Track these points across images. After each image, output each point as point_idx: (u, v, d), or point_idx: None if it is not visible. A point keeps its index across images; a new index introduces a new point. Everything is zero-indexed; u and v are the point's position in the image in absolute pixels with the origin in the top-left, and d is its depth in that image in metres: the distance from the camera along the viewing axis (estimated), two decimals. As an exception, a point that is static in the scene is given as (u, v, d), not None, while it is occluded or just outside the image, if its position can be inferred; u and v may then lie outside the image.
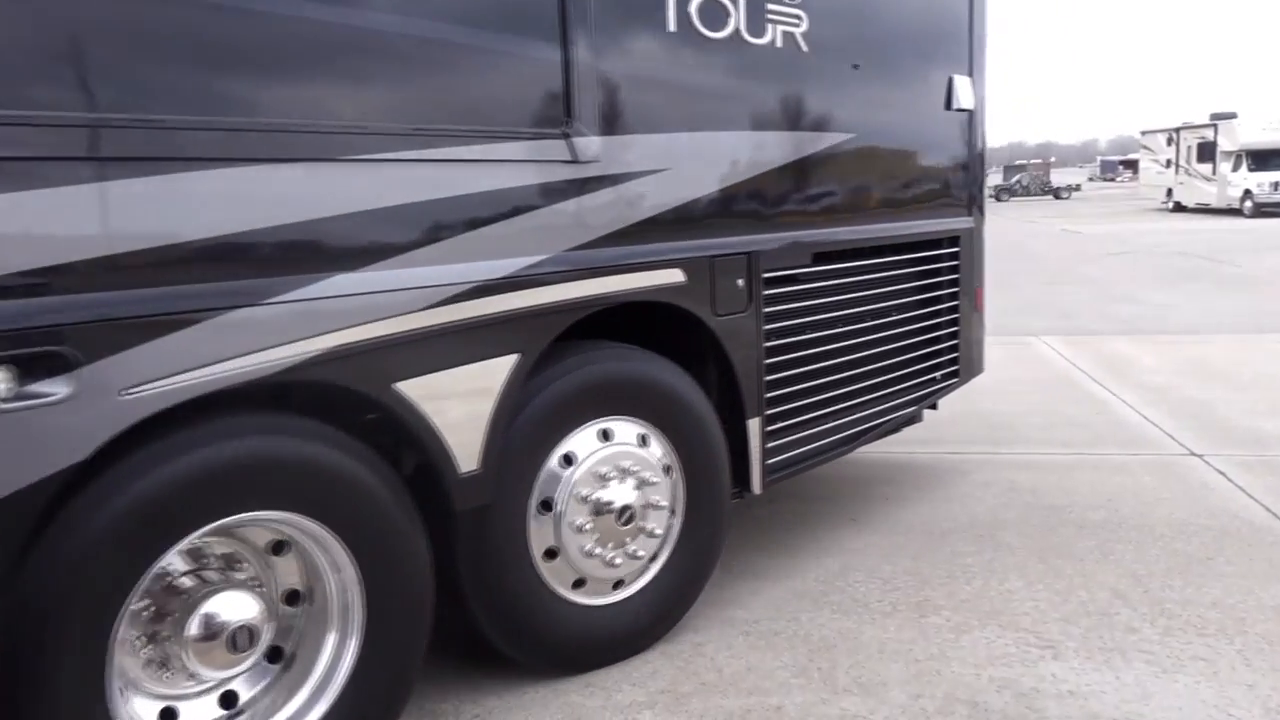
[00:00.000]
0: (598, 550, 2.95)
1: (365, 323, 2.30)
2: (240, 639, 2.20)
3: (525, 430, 2.75)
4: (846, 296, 3.82)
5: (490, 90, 2.59)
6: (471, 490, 2.57)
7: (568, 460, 2.91)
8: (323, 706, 2.36)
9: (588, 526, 2.92)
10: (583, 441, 2.94)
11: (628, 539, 3.01)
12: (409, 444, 2.50)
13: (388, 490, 2.40)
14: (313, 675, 2.37)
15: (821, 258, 3.70)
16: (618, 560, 3.00)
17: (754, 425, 3.46)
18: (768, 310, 3.46)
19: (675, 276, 3.08)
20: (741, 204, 3.34)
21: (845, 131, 3.74)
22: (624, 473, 3.01)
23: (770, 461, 3.57)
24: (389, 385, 2.37)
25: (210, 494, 2.10)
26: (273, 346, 2.14)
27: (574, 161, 2.73)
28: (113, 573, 1.99)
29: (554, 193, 2.70)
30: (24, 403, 1.81)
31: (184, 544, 2.10)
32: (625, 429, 3.04)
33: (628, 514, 2.99)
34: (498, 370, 2.61)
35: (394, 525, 2.41)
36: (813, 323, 3.69)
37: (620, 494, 2.98)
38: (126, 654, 2.09)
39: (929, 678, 2.94)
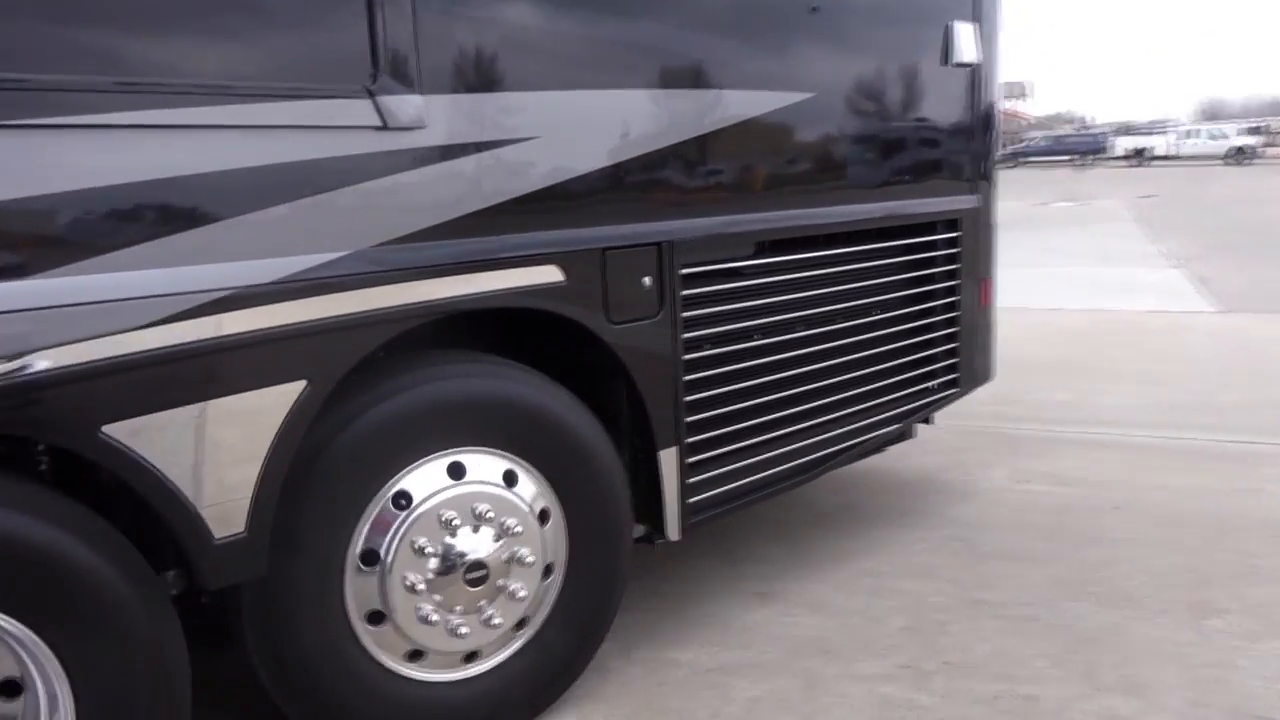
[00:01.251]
0: (437, 616, 2.33)
1: (58, 345, 1.70)
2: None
3: (335, 466, 2.14)
4: (804, 295, 3.12)
5: (252, 29, 1.95)
6: (235, 559, 1.97)
7: (401, 502, 2.29)
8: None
9: (423, 586, 2.31)
10: (423, 479, 2.32)
11: (482, 602, 2.39)
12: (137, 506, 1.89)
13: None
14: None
15: (770, 248, 3.01)
16: (463, 630, 2.38)
17: (668, 457, 2.79)
18: (689, 315, 2.77)
19: (548, 275, 2.42)
20: (647, 182, 2.65)
21: (799, 90, 3.02)
22: (479, 519, 2.38)
23: (693, 500, 2.89)
24: (93, 430, 1.77)
25: None
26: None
27: (384, 128, 2.08)
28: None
29: (353, 170, 2.06)
30: None
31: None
32: (484, 464, 2.41)
33: (480, 572, 2.36)
34: (271, 403, 1.98)
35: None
36: (755, 328, 3.00)
37: (471, 545, 2.36)
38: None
39: (1210, 685, 2.62)
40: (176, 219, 1.83)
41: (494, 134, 2.28)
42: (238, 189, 1.90)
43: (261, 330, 1.94)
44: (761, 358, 3.00)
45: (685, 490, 2.85)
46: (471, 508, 2.37)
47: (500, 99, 2.30)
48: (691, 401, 2.84)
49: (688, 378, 2.81)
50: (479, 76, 2.26)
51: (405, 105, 2.10)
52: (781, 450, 3.10)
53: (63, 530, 1.76)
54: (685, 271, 2.74)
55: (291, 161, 1.96)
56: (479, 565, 2.36)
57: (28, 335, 1.67)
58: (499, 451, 2.42)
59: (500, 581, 2.40)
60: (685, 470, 2.84)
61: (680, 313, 2.74)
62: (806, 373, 3.14)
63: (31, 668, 1.78)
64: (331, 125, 2.02)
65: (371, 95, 2.05)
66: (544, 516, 2.50)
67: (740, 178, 2.89)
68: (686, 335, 2.78)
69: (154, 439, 1.83)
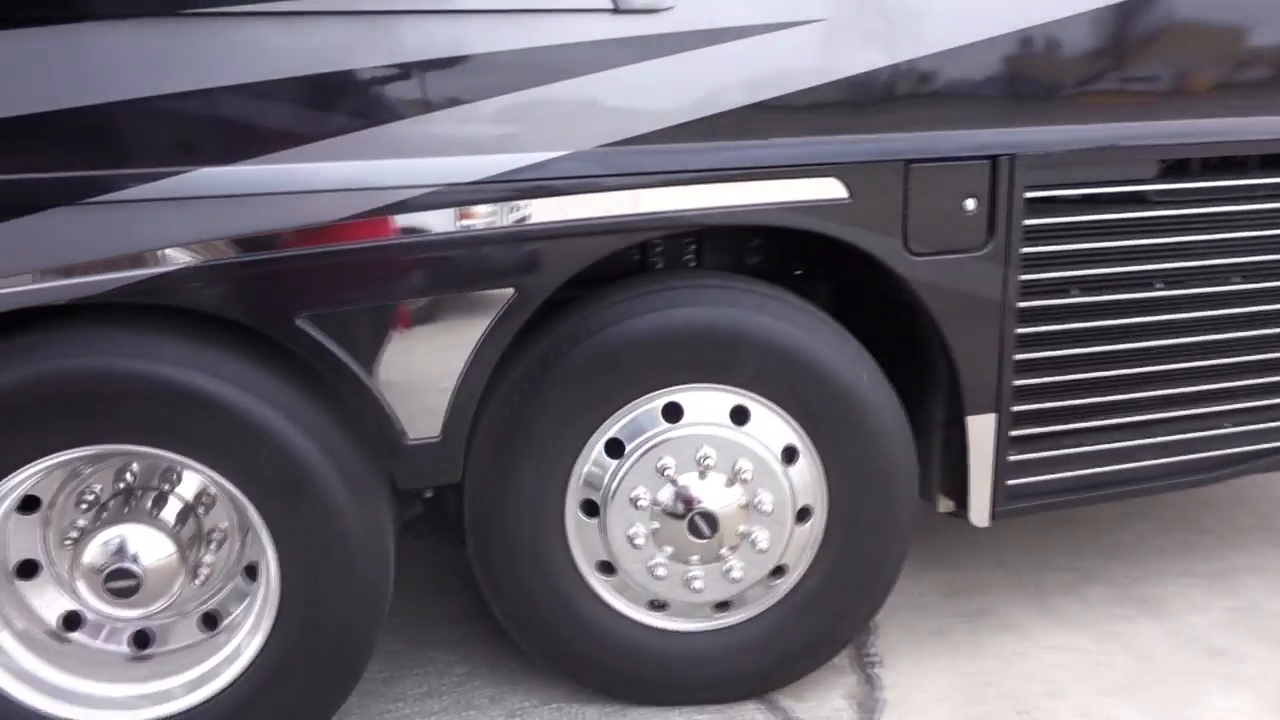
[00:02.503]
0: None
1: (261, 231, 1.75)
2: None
3: (558, 386, 2.00)
4: (1209, 238, 2.29)
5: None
6: (428, 462, 1.93)
7: (614, 448, 2.10)
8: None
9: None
10: (644, 419, 2.10)
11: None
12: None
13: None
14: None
15: (1170, 170, 2.25)
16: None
17: (981, 425, 2.24)
18: (1031, 251, 2.16)
19: (826, 190, 1.99)
20: (982, 77, 2.06)
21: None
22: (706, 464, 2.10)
23: (1012, 483, 2.32)
24: (290, 319, 1.80)
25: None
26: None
27: (618, 10, 1.81)
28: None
29: (581, 60, 1.82)
30: None
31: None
32: (710, 400, 2.10)
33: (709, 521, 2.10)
34: (473, 309, 1.88)
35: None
36: (1132, 277, 2.27)
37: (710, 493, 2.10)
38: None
39: None
40: (381, 110, 1.76)
41: (761, 15, 1.89)
42: (451, 80, 1.78)
43: (466, 232, 1.83)
44: (1136, 316, 2.27)
45: (1002, 469, 2.28)
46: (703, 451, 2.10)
47: (771, -29, 1.90)
48: (1025, 361, 2.24)
49: (1022, 330, 2.21)
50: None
51: (638, -15, 1.80)
52: (1152, 440, 2.36)
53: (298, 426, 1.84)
54: (1033, 195, 2.13)
55: (511, 49, 1.79)
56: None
57: (234, 219, 1.73)
58: (736, 389, 2.10)
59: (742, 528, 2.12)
60: (1004, 445, 2.27)
61: (1020, 248, 2.15)
62: (1202, 343, 2.33)
63: (268, 552, 1.92)
64: (563, 9, 1.80)
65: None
66: (790, 456, 2.15)
67: (1133, 72, 2.15)
68: (1026, 277, 2.18)
69: (350, 333, 1.83)
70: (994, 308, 2.16)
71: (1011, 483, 2.31)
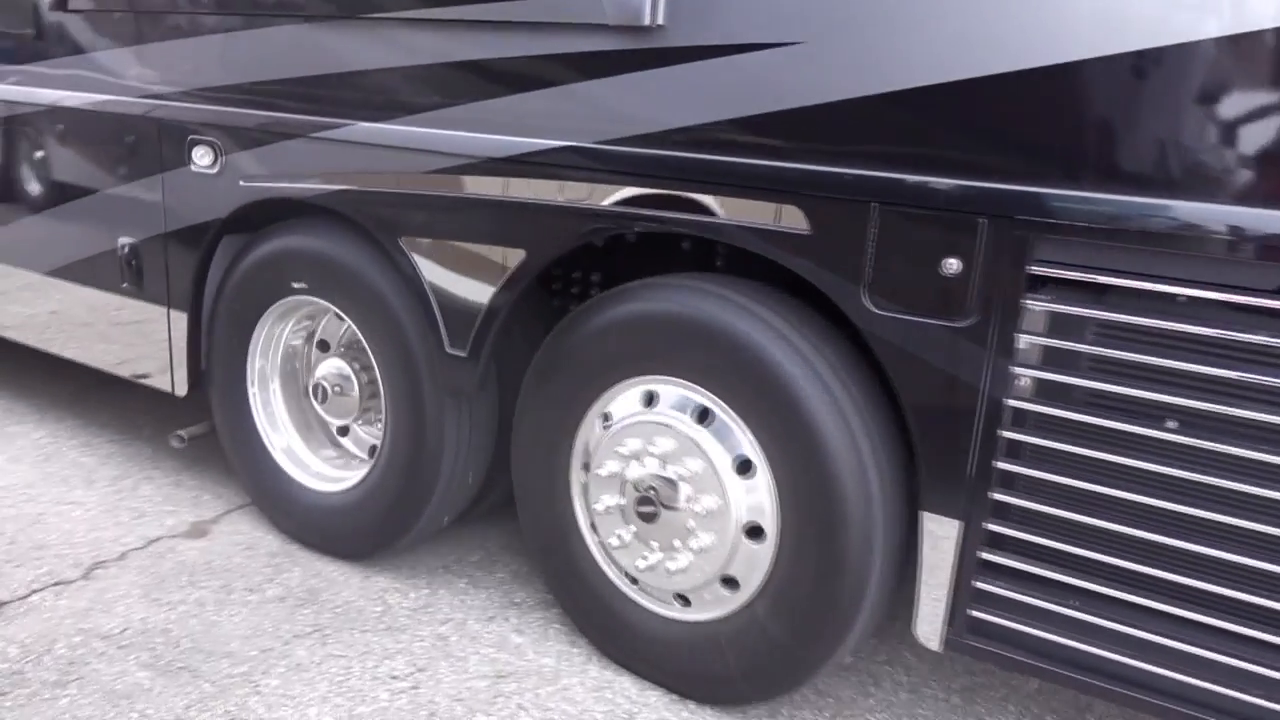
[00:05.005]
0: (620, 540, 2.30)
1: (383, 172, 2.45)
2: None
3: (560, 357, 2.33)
4: None
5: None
6: (456, 372, 2.44)
7: (606, 420, 2.30)
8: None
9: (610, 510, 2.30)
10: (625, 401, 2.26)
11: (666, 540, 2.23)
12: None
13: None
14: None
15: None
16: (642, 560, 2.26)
17: (942, 530, 1.88)
18: (1030, 339, 1.74)
19: (787, 218, 1.92)
20: (992, 114, 1.71)
21: None
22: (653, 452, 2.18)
23: (976, 614, 1.87)
24: (397, 238, 2.48)
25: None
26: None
27: (613, 28, 2.02)
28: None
29: (583, 66, 2.08)
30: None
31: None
32: (683, 398, 2.14)
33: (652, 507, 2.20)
34: (499, 260, 2.31)
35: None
36: (1176, 411, 1.64)
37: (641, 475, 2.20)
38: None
39: None
40: (455, 96, 2.30)
41: (741, 36, 1.91)
42: (498, 75, 2.23)
43: (496, 195, 2.28)
44: (1168, 464, 1.63)
45: (963, 592, 1.89)
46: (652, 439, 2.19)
47: (751, -7, 1.89)
48: (1009, 474, 1.81)
49: (1010, 435, 1.79)
50: (731, -34, 1.91)
51: (634, 5, 1.99)
52: (1173, 643, 1.66)
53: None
54: (1039, 271, 1.71)
55: (534, 55, 2.16)
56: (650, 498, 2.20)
57: (370, 159, 2.46)
58: (703, 390, 2.12)
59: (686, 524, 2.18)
60: (970, 564, 1.87)
61: (1015, 331, 1.75)
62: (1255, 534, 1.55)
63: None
64: (571, 23, 2.10)
65: (603, -6, 2.03)
66: (745, 469, 2.10)
67: (1213, 133, 1.54)
68: (1020, 370, 1.76)
69: (425, 258, 2.43)
70: (970, 395, 1.81)
71: (974, 614, 1.89)
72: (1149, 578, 1.72)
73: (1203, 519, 1.67)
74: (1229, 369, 1.61)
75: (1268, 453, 1.59)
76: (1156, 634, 1.73)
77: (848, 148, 1.84)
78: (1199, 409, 1.64)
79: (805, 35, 1.85)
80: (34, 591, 2.63)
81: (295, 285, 2.73)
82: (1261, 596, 1.63)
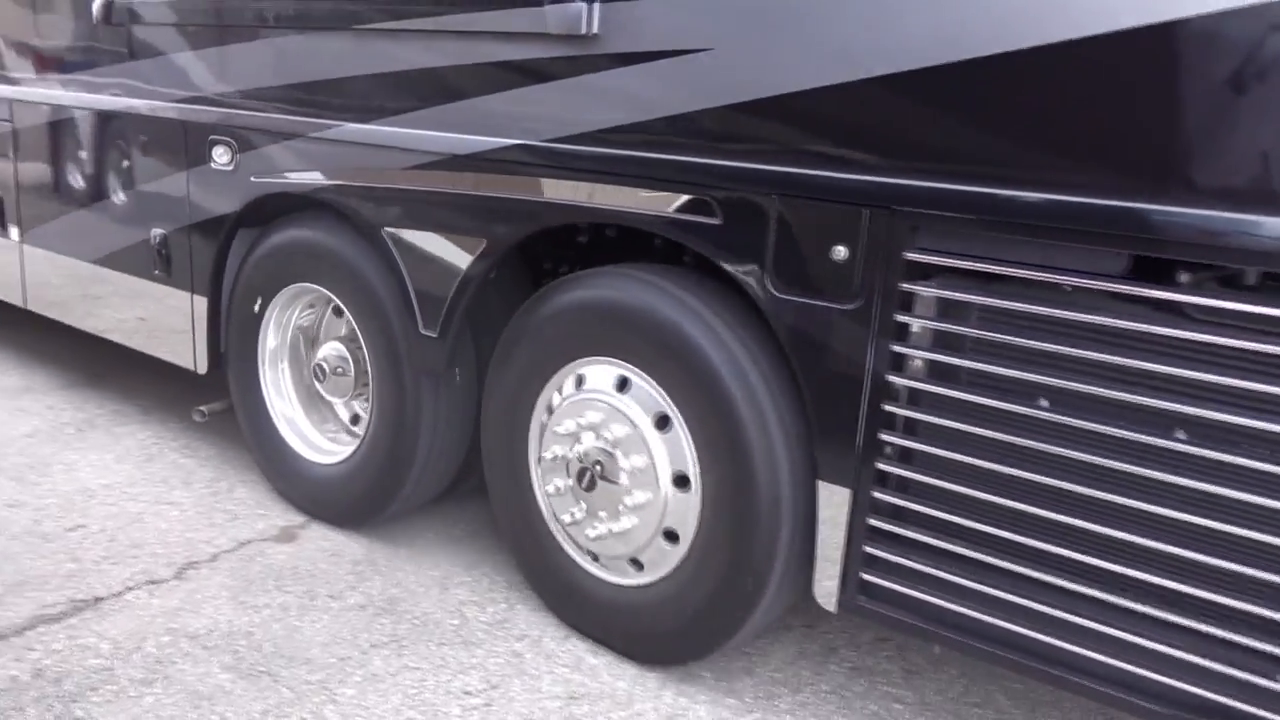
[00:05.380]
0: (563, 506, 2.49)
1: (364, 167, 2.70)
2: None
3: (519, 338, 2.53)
4: (1155, 369, 1.60)
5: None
6: (429, 352, 2.67)
7: (553, 400, 2.49)
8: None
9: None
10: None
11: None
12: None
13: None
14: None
15: (1136, 268, 1.67)
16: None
17: (835, 498, 2.03)
18: (907, 320, 1.88)
19: (702, 211, 2.10)
20: (869, 116, 1.86)
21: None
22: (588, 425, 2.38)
23: (867, 578, 2.02)
24: (379, 230, 2.72)
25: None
26: (320, 171, 2.85)
27: (553, 36, 2.23)
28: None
29: (529, 72, 2.30)
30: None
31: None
32: (606, 373, 2.33)
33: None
34: (464, 247, 2.53)
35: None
36: (1050, 392, 1.75)
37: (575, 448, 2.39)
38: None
39: None
40: (426, 99, 2.53)
41: (662, 43, 2.09)
42: (458, 80, 2.45)
43: (459, 190, 2.50)
44: (1042, 440, 1.76)
45: (854, 556, 2.04)
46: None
47: (666, 4, 2.07)
48: (892, 445, 1.95)
49: (891, 409, 1.94)
50: (651, -21, 2.09)
51: (573, 15, 2.19)
52: (1059, 613, 1.78)
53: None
54: (917, 258, 1.85)
55: (489, 62, 2.38)
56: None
57: (356, 157, 2.71)
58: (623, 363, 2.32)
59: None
60: (859, 530, 2.02)
61: (894, 314, 1.90)
62: (1123, 507, 1.65)
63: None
64: (516, 32, 2.31)
65: (542, 4, 2.23)
66: (663, 424, 2.28)
67: (1078, 129, 1.67)
68: (899, 349, 1.91)
69: (405, 247, 2.67)
70: (857, 372, 1.96)
71: (866, 577, 2.03)
72: (1025, 547, 1.84)
73: (1070, 491, 1.79)
74: (1082, 349, 1.73)
75: (1127, 429, 1.71)
76: (1035, 601, 1.84)
77: (751, 144, 2.02)
78: (1056, 386, 1.76)
79: (714, 42, 2.03)
80: (129, 589, 2.71)
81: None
82: (1123, 565, 1.75)
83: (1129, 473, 1.70)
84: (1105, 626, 1.77)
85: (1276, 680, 1.67)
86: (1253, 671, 1.67)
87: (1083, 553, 1.78)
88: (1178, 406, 1.64)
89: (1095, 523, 1.75)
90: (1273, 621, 1.64)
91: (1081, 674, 1.81)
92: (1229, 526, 1.65)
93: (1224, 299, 1.62)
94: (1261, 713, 1.66)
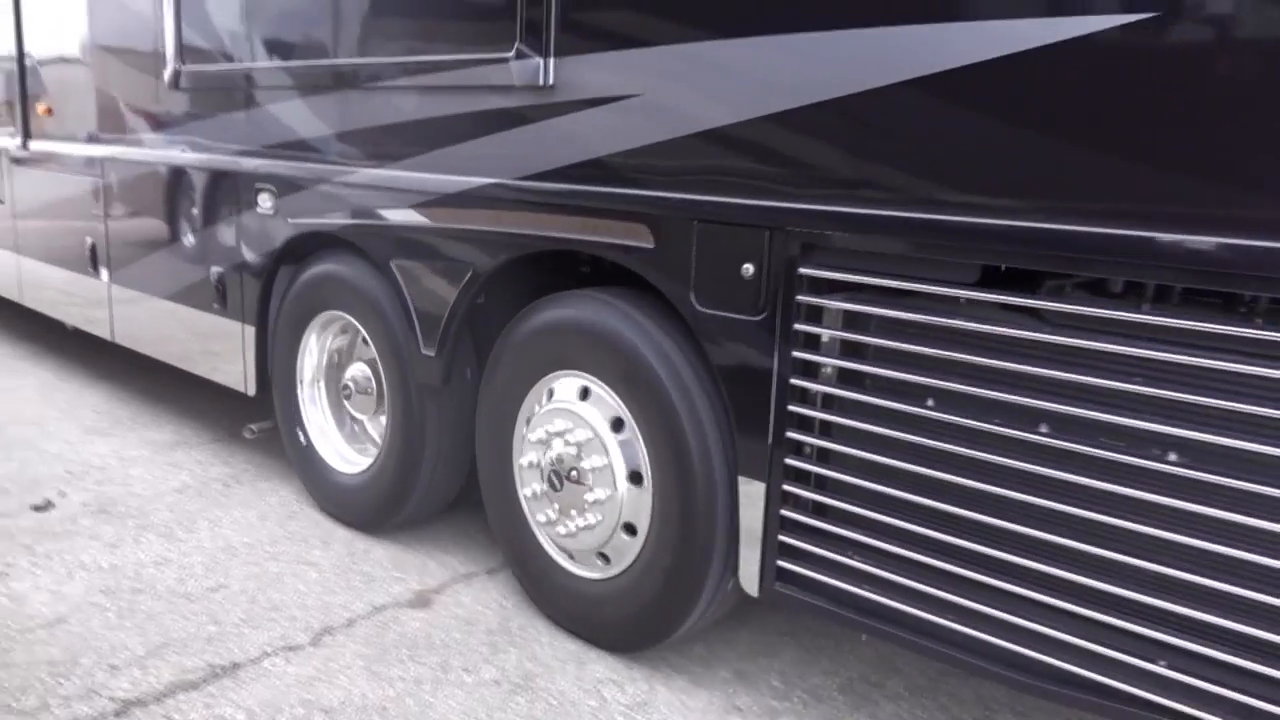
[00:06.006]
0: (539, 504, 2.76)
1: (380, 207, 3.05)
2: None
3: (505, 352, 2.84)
4: (1031, 371, 1.78)
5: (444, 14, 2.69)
6: (429, 369, 2.99)
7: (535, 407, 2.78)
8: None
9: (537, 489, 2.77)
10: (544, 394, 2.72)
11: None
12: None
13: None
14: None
15: (992, 279, 1.86)
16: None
17: (752, 492, 2.25)
18: (805, 330, 2.10)
19: (638, 236, 2.37)
20: (761, 150, 2.10)
21: (1125, 10, 1.64)
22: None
23: (783, 565, 2.22)
24: (388, 261, 3.06)
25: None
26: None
27: (517, 88, 2.54)
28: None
29: (499, 119, 2.62)
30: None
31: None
32: (572, 385, 2.60)
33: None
34: (455, 276, 2.85)
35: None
36: (947, 395, 1.95)
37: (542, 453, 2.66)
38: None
39: None
40: (418, 146, 2.87)
41: (600, 91, 2.38)
42: (441, 129, 2.78)
43: (447, 224, 2.83)
44: (930, 437, 1.95)
45: (771, 545, 2.25)
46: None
47: (607, 58, 2.35)
48: (797, 442, 2.16)
49: (795, 409, 2.15)
50: (593, 38, 2.38)
51: (532, 69, 2.50)
52: (951, 598, 1.95)
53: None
54: (808, 273, 2.08)
55: (465, 112, 2.71)
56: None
57: (368, 200, 3.07)
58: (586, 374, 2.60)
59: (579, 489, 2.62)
60: (774, 521, 2.22)
61: (794, 323, 2.12)
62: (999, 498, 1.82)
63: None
64: (487, 85, 2.63)
65: (507, 61, 2.55)
66: (619, 425, 2.54)
67: (937, 157, 1.87)
68: (801, 355, 2.12)
69: (408, 276, 3.00)
70: (766, 376, 2.19)
71: (782, 565, 2.24)
72: (919, 536, 2.03)
73: (948, 482, 1.97)
74: (943, 350, 1.93)
75: (992, 424, 1.89)
76: (932, 586, 2.02)
77: (673, 176, 2.28)
78: (928, 384, 1.96)
79: (642, 89, 2.30)
80: (266, 655, 2.68)
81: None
82: (1003, 551, 1.92)
83: (996, 464, 1.88)
84: (993, 609, 1.93)
85: (1159, 664, 1.81)
86: (1135, 655, 1.80)
87: (969, 540, 1.95)
88: (1044, 404, 1.82)
89: (973, 510, 1.93)
90: (1150, 607, 1.78)
91: (974, 654, 1.97)
92: (1090, 513, 1.80)
93: (1082, 305, 1.80)
94: (1142, 693, 1.79)
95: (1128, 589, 1.80)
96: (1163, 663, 1.78)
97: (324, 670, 2.63)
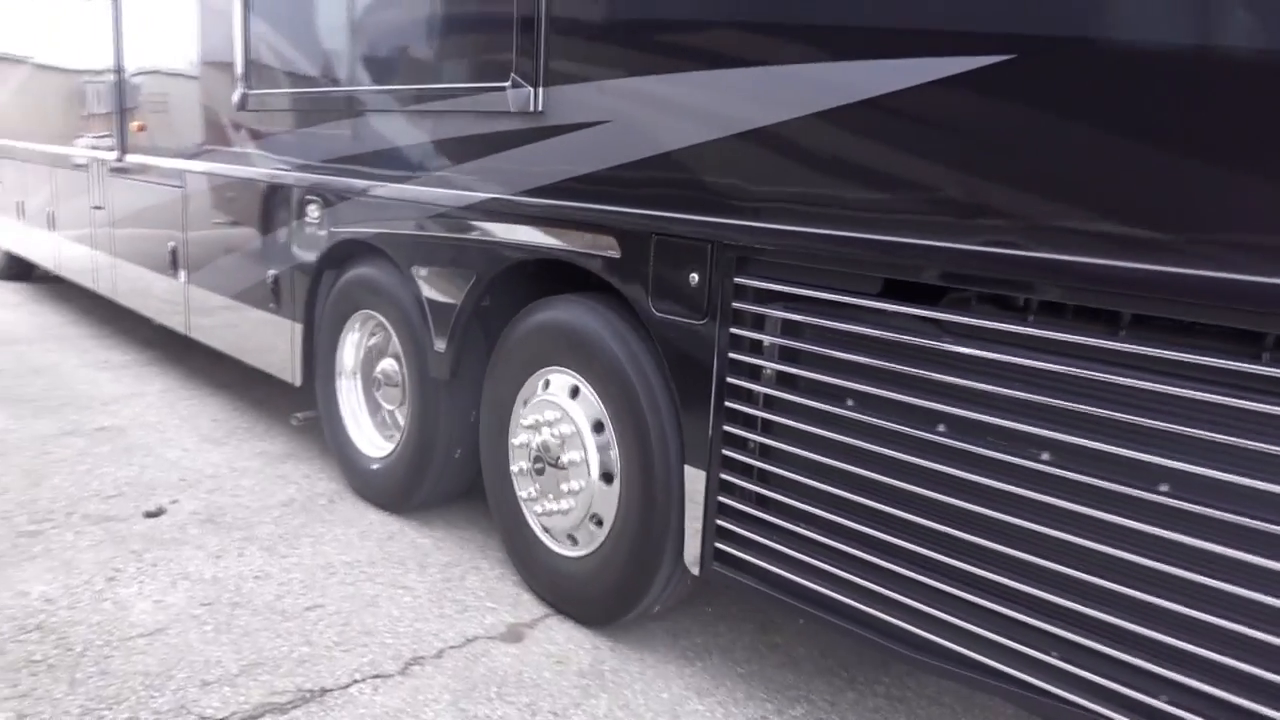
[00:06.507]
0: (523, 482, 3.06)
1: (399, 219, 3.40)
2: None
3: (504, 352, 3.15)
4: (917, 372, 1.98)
5: (451, 48, 3.01)
6: (440, 363, 3.31)
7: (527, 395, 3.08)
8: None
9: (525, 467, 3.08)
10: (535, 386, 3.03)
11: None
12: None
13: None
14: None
15: (893, 289, 2.08)
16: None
17: (693, 478, 2.50)
18: (736, 332, 2.34)
19: (607, 247, 2.64)
20: (701, 172, 2.35)
21: (984, 52, 1.85)
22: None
23: (720, 546, 2.45)
24: (409, 268, 3.40)
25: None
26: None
27: (512, 113, 2.84)
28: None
29: (494, 141, 2.93)
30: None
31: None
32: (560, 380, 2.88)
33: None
34: (463, 280, 3.17)
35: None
36: (864, 397, 2.17)
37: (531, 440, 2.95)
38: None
39: None
40: (432, 164, 3.20)
41: (579, 117, 2.66)
42: (450, 149, 3.11)
43: (455, 234, 3.15)
44: (862, 438, 2.17)
45: (710, 528, 2.48)
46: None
47: (584, 88, 2.63)
48: (731, 435, 2.40)
49: (729, 405, 2.39)
50: (573, 70, 2.67)
51: (524, 96, 2.80)
52: (866, 583, 2.17)
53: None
54: (741, 281, 2.32)
55: (469, 134, 3.03)
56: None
57: (386, 213, 3.42)
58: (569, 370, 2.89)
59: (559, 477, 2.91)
60: (712, 506, 2.46)
61: (728, 327, 2.36)
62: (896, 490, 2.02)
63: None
64: (488, 111, 2.94)
65: (504, 90, 2.86)
66: (598, 427, 2.82)
67: (843, 179, 2.10)
68: (734, 356, 2.36)
69: (424, 280, 3.34)
70: (708, 374, 2.43)
71: (719, 546, 2.47)
72: (839, 526, 2.24)
73: (861, 476, 2.19)
74: (853, 354, 2.15)
75: (893, 421, 2.10)
76: (852, 573, 2.23)
77: (636, 193, 2.54)
78: (844, 386, 2.19)
79: (611, 115, 2.58)
80: (354, 682, 2.65)
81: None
82: (906, 540, 2.14)
83: (893, 458, 2.10)
84: (905, 597, 2.14)
85: (1051, 655, 1.99)
86: (1033, 646, 1.98)
87: (879, 529, 2.16)
88: (942, 407, 2.02)
89: (879, 500, 2.14)
90: (1044, 601, 1.96)
91: (889, 639, 2.18)
92: (986, 510, 1.98)
93: (974, 317, 2.00)
94: (1039, 683, 1.97)
95: (1006, 577, 1.98)
96: (1054, 653, 1.94)
97: (410, 703, 2.58)
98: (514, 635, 2.94)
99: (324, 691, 2.60)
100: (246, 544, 3.48)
